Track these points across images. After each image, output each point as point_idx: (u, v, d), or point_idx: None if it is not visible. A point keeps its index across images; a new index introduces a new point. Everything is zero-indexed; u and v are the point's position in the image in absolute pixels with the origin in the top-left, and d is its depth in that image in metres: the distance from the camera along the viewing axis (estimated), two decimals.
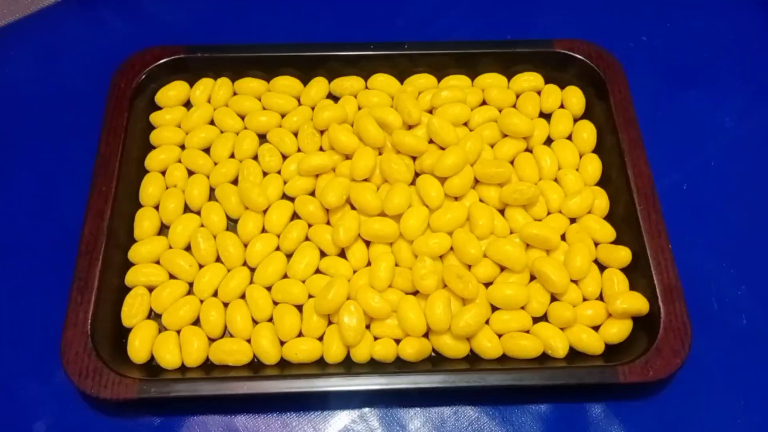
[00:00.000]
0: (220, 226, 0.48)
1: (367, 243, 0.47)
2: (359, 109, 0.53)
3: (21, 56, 0.59)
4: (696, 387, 0.45)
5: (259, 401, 0.43)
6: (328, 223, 0.48)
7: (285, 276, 0.46)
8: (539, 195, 0.48)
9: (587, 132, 0.53)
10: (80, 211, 0.47)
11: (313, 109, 0.53)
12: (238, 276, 0.45)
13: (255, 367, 0.43)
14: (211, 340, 0.44)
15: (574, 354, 0.44)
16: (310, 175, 0.49)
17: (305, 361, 0.43)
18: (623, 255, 0.47)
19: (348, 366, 0.43)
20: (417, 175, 0.49)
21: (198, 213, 0.49)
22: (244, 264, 0.47)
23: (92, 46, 0.60)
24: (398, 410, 0.43)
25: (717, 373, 0.46)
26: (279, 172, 0.50)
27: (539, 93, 0.55)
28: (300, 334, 0.44)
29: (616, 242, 0.48)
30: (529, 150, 0.52)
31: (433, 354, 0.44)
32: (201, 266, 0.46)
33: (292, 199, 0.49)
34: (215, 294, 0.45)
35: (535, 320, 0.45)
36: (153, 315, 0.46)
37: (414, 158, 0.50)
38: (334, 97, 0.54)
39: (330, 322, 0.44)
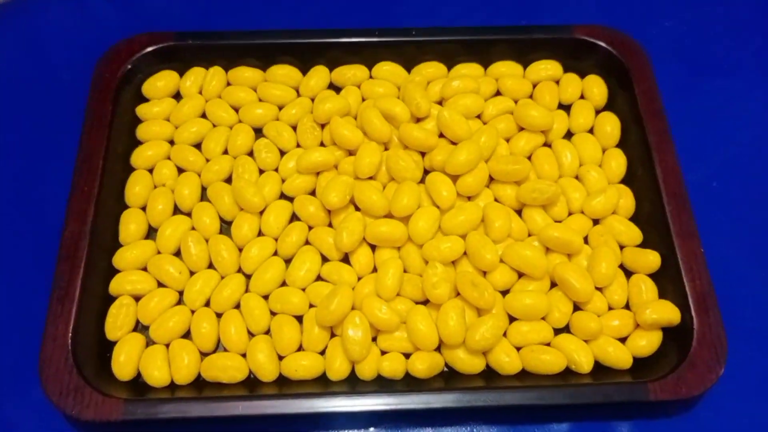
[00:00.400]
0: (212, 228, 0.46)
1: (373, 247, 0.45)
2: (363, 100, 0.52)
3: None
4: (732, 405, 0.43)
5: (256, 423, 0.41)
6: (330, 225, 0.47)
7: (283, 284, 0.45)
8: (560, 194, 0.46)
9: (610, 125, 0.51)
10: (60, 212, 0.45)
11: (313, 100, 0.52)
12: (232, 284, 0.44)
13: (251, 385, 0.42)
14: (203, 354, 0.43)
15: (599, 369, 0.43)
16: (311, 173, 0.48)
17: (306, 378, 0.42)
18: (652, 260, 0.45)
19: (353, 383, 0.42)
20: (426, 172, 0.48)
21: (188, 214, 0.47)
22: (239, 270, 0.45)
23: (75, 32, 0.59)
24: None
25: (755, 389, 0.44)
26: (276, 170, 0.49)
27: (557, 83, 0.54)
28: (300, 348, 0.43)
29: (642, 245, 0.47)
30: (547, 144, 0.51)
31: (445, 370, 0.43)
32: (192, 273, 0.45)
33: (290, 199, 0.48)
34: (207, 304, 0.44)
35: (557, 332, 0.44)
36: (140, 327, 0.44)
37: (423, 154, 0.49)
38: (335, 88, 0.53)
39: (333, 335, 0.43)
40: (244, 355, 0.42)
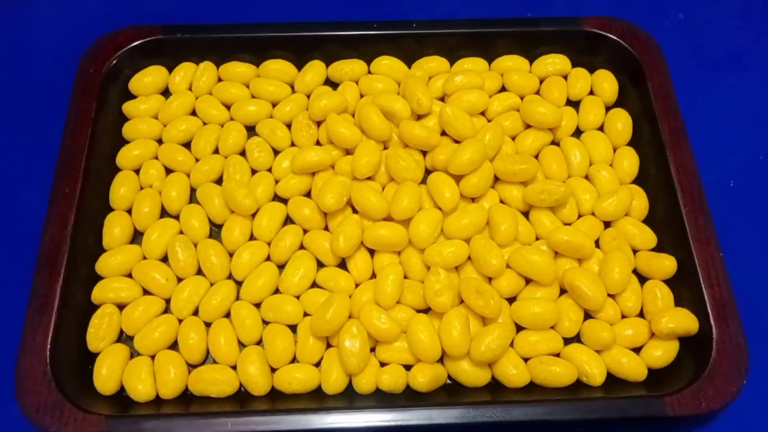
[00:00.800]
0: (201, 232, 0.46)
1: (372, 252, 0.45)
2: (361, 97, 0.52)
3: None
4: (755, 420, 0.43)
5: None
6: (326, 228, 0.47)
7: (276, 291, 0.44)
8: (569, 195, 0.46)
9: (621, 122, 0.50)
10: (40, 216, 0.45)
11: (308, 97, 0.52)
12: (222, 291, 0.44)
13: (241, 399, 0.41)
14: (191, 367, 0.42)
15: (612, 381, 0.42)
16: (306, 173, 0.48)
17: (300, 392, 0.41)
18: (667, 265, 0.44)
19: (350, 398, 0.41)
20: (428, 172, 0.48)
21: (176, 217, 0.47)
22: (229, 277, 0.45)
23: (58, 26, 0.58)
24: None
25: None
26: (270, 170, 0.49)
27: (566, 78, 0.53)
28: (294, 360, 0.43)
29: (657, 249, 0.46)
30: (555, 143, 0.51)
31: (448, 382, 0.42)
32: (179, 280, 0.45)
33: (284, 201, 0.47)
34: (195, 312, 0.44)
35: (567, 342, 0.43)
36: (123, 338, 0.44)
37: (424, 153, 0.49)
38: (332, 84, 0.53)
39: (329, 346, 0.43)
40: (234, 368, 0.42)
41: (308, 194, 0.48)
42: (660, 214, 0.47)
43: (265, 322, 0.43)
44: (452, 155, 0.45)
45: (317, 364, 0.42)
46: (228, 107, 0.51)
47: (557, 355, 0.42)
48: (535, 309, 0.42)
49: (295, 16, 0.57)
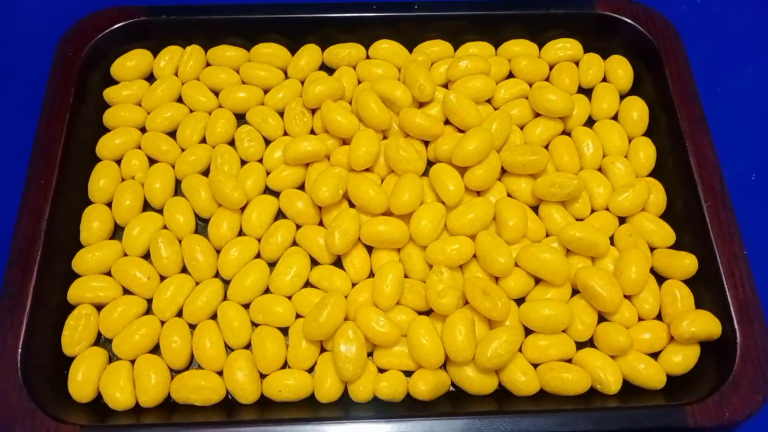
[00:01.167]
0: (186, 227, 0.46)
1: (369, 249, 0.45)
2: (359, 83, 0.52)
3: None
4: None
5: None
6: (320, 224, 0.46)
7: (267, 291, 0.44)
8: (582, 188, 0.45)
9: (637, 110, 0.50)
10: (13, 209, 0.44)
11: (302, 83, 0.52)
12: (208, 291, 0.43)
13: (228, 408, 0.41)
14: (174, 372, 0.42)
15: (628, 389, 0.41)
16: (299, 164, 0.47)
17: (291, 400, 0.41)
18: (687, 264, 0.44)
19: (345, 407, 0.41)
20: (431, 164, 0.48)
21: (160, 211, 0.47)
22: (216, 275, 0.45)
23: (36, 5, 0.58)
24: None
25: None
26: (260, 161, 0.49)
27: (577, 64, 0.53)
28: (285, 366, 0.42)
29: (676, 247, 0.46)
30: (566, 133, 0.50)
31: (452, 390, 0.42)
32: (162, 278, 0.45)
33: (276, 194, 0.47)
34: (179, 314, 0.43)
35: (580, 346, 0.43)
36: (101, 340, 0.43)
37: (427, 143, 0.48)
38: (328, 69, 0.53)
39: (323, 350, 0.42)
40: (220, 374, 0.41)
41: (301, 187, 0.48)
42: (679, 210, 0.47)
43: (255, 325, 0.43)
44: (456, 145, 0.45)
45: (310, 370, 0.42)
46: (216, 94, 0.51)
47: (569, 360, 0.42)
48: (546, 311, 0.41)
49: None
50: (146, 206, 0.47)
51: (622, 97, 0.51)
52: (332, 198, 0.44)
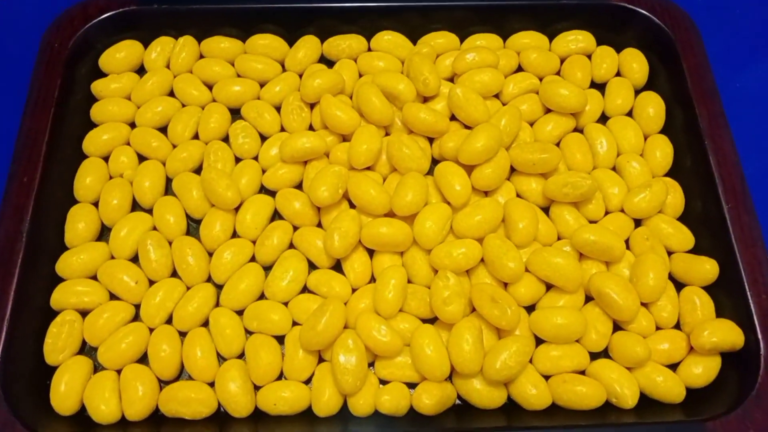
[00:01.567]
0: (177, 229, 0.45)
1: (371, 253, 0.44)
2: (360, 76, 0.51)
3: None
4: None
5: None
6: (319, 225, 0.46)
7: (261, 297, 0.44)
8: (596, 189, 0.44)
9: (653, 106, 0.49)
10: None
11: (300, 76, 0.51)
12: (199, 296, 0.42)
13: (220, 422, 0.40)
14: (162, 383, 0.41)
15: (645, 403, 0.41)
16: (296, 162, 0.46)
17: (287, 414, 0.40)
18: (708, 269, 0.43)
19: (344, 421, 0.40)
20: (435, 162, 0.47)
21: (149, 211, 0.46)
22: (208, 280, 0.44)
23: None
24: None
25: None
26: (256, 158, 0.48)
27: (590, 57, 0.53)
28: (280, 377, 0.41)
29: (695, 251, 0.45)
30: (579, 130, 0.50)
31: (458, 403, 0.41)
32: (151, 283, 0.44)
33: (272, 194, 0.46)
34: (169, 320, 0.43)
35: (594, 357, 0.42)
36: (86, 349, 0.42)
37: (431, 140, 0.48)
38: (327, 62, 0.53)
39: (321, 361, 0.41)
40: (212, 385, 0.40)
41: (299, 186, 0.47)
42: (698, 212, 0.46)
43: (248, 333, 0.42)
44: (463, 142, 0.44)
45: (307, 382, 0.41)
46: (210, 87, 0.51)
47: (583, 372, 0.41)
48: (558, 320, 0.40)
49: None
50: (135, 206, 0.46)
51: (637, 92, 0.51)
52: (331, 198, 0.43)
